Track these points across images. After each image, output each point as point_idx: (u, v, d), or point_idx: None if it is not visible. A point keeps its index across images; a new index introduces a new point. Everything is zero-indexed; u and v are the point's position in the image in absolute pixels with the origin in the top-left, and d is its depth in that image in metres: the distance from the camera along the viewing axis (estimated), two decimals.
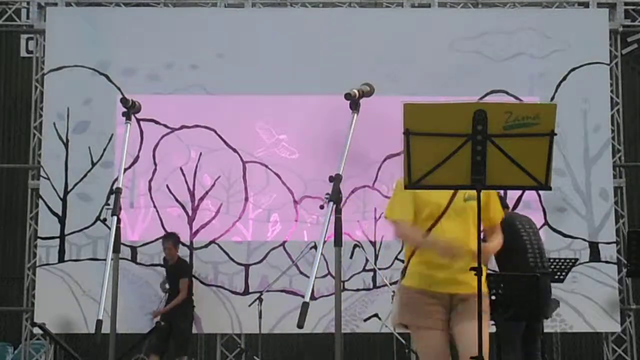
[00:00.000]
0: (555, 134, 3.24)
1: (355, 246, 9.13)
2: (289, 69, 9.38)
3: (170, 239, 8.68)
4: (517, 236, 6.10)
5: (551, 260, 7.37)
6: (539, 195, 9.34)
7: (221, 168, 9.34)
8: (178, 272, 8.63)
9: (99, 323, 3.79)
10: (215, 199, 9.33)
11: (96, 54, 9.42)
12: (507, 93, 9.47)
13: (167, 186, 9.32)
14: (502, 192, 7.75)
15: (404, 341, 8.48)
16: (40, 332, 8.95)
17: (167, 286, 8.70)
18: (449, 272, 3.81)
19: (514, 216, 6.36)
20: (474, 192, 3.49)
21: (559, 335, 9.51)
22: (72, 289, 9.08)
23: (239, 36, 9.47)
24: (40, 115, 9.54)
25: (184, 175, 9.32)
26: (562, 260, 7.52)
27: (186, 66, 9.42)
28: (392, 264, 9.20)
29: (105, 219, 9.10)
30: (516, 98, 9.49)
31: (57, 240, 9.19)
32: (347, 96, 3.53)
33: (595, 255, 9.25)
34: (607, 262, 9.25)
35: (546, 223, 9.32)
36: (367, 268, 9.17)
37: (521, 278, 5.66)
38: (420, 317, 3.88)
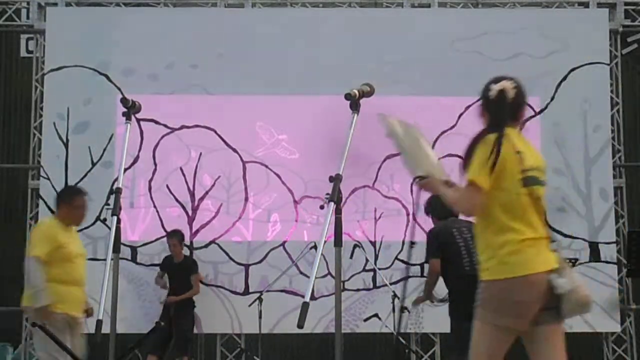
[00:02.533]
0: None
1: (355, 246, 9.12)
2: (289, 69, 9.38)
3: (176, 236, 8.71)
4: (452, 243, 6.19)
5: None
6: None
7: (221, 168, 9.35)
8: (187, 269, 8.65)
9: (99, 323, 3.80)
10: (215, 199, 9.33)
11: (96, 54, 9.43)
12: None
13: (167, 186, 9.32)
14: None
15: (403, 341, 8.49)
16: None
17: (164, 281, 8.72)
18: None
19: (450, 223, 6.31)
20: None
21: None
22: None
23: (239, 36, 9.47)
24: (40, 115, 9.54)
25: (184, 175, 9.32)
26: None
27: (186, 66, 9.42)
28: (392, 264, 9.21)
29: (105, 219, 9.10)
30: None
31: None
32: (348, 96, 3.53)
33: (595, 255, 9.25)
34: (607, 262, 9.25)
35: (546, 223, 9.30)
36: (367, 268, 9.17)
37: (463, 278, 5.86)
38: None
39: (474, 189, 3.43)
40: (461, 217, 6.64)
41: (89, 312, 5.92)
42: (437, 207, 6.30)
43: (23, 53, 10.49)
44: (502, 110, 3.78)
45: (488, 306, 3.42)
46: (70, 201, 5.87)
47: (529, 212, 3.51)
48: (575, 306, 3.47)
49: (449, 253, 6.23)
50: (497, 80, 3.88)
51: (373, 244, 9.24)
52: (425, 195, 4.02)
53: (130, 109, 4.37)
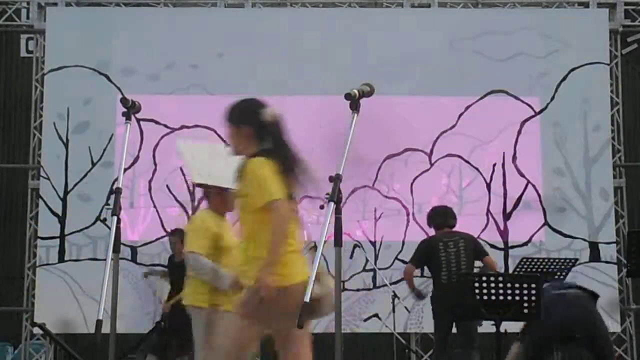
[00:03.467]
0: None
1: (355, 246, 9.13)
2: (289, 69, 9.38)
3: (177, 235, 8.67)
4: (435, 255, 6.99)
5: (551, 260, 7.47)
6: (539, 195, 9.36)
7: None
8: (184, 269, 8.61)
9: (99, 323, 3.79)
10: None
11: (96, 54, 9.43)
12: (507, 93, 9.48)
13: (167, 186, 9.32)
14: None
15: (404, 341, 8.49)
16: (40, 332, 8.95)
17: (151, 275, 8.75)
18: None
19: (441, 236, 7.08)
20: None
21: None
22: (72, 289, 9.08)
23: (239, 36, 9.47)
24: (40, 115, 9.54)
25: (184, 175, 9.31)
26: (562, 260, 7.54)
27: (186, 66, 9.42)
28: (392, 264, 9.20)
29: (105, 219, 9.10)
30: (516, 98, 9.50)
31: (57, 240, 9.19)
32: (347, 96, 3.53)
33: (595, 255, 9.25)
34: (607, 262, 9.25)
35: (546, 223, 9.32)
36: (367, 268, 9.17)
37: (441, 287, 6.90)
38: None
39: (281, 205, 3.66)
40: (457, 229, 7.11)
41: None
42: (433, 219, 7.23)
43: (23, 53, 10.50)
44: (280, 133, 3.98)
45: (257, 313, 3.69)
46: (216, 192, 5.72)
47: (292, 226, 3.78)
48: (328, 309, 3.72)
49: (432, 263, 7.06)
50: (260, 104, 3.93)
51: (373, 244, 9.24)
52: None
53: (130, 109, 4.36)
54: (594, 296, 6.31)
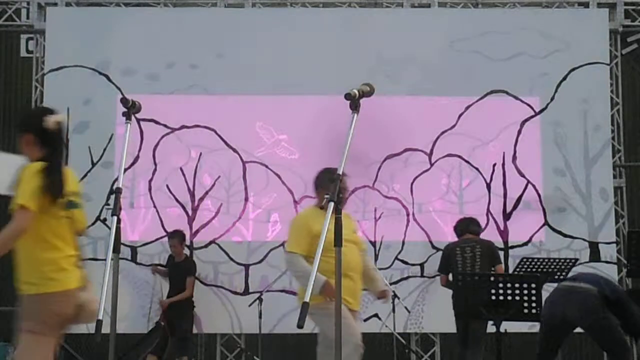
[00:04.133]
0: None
1: None
2: (289, 69, 9.38)
3: (176, 237, 8.69)
4: (452, 259, 7.46)
5: (551, 260, 7.50)
6: (539, 195, 9.36)
7: (221, 168, 9.35)
8: (184, 270, 8.64)
9: (99, 323, 3.79)
10: (215, 199, 9.33)
11: (96, 54, 9.43)
12: (507, 93, 9.48)
13: (167, 186, 9.32)
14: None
15: (404, 341, 8.49)
16: None
17: (158, 274, 8.81)
18: None
19: (459, 242, 7.54)
20: None
21: None
22: None
23: (239, 36, 9.47)
24: None
25: (184, 175, 9.32)
26: (562, 260, 7.55)
27: (186, 66, 9.43)
28: (392, 264, 9.21)
29: (105, 219, 9.10)
30: (516, 98, 9.51)
31: None
32: (347, 96, 3.52)
33: (595, 255, 9.25)
34: (607, 262, 9.25)
35: (546, 223, 9.32)
36: None
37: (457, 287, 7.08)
38: None
39: (25, 212, 3.76)
40: (480, 236, 7.42)
41: (384, 295, 5.72)
42: (457, 228, 7.67)
43: (23, 53, 10.49)
44: (60, 141, 4.15)
45: (37, 319, 3.95)
46: (327, 186, 5.58)
47: (69, 233, 3.97)
48: (87, 316, 3.93)
49: (451, 267, 7.47)
50: (44, 112, 4.15)
51: (373, 244, 9.24)
52: None
53: (130, 109, 4.36)
54: (603, 294, 6.29)
